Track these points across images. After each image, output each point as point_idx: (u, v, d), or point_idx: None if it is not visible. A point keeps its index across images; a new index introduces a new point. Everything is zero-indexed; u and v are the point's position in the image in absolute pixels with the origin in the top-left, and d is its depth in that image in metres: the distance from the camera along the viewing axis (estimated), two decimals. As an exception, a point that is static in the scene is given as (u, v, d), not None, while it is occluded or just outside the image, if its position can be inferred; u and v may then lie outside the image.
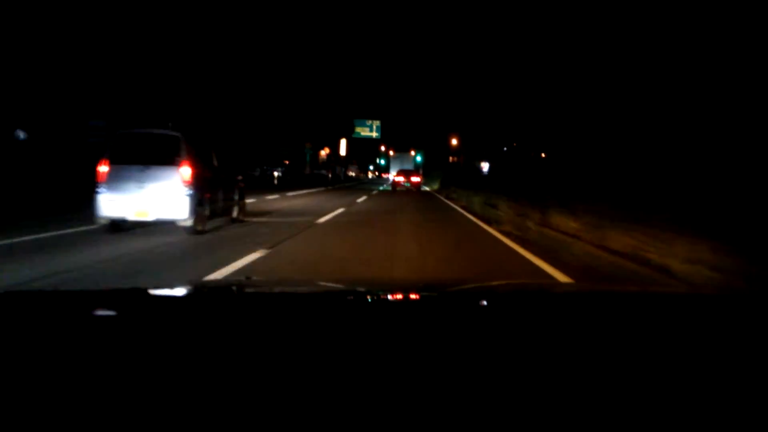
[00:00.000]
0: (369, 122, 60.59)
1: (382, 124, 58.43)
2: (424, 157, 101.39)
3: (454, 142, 64.99)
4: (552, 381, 0.77)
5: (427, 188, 37.11)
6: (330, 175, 51.51)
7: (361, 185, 44.44)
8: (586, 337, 0.99)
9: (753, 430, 0.69)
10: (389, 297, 1.53)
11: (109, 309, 1.18)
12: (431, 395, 0.73)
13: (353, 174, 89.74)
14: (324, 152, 53.17)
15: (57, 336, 0.91)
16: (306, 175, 50.38)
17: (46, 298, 1.33)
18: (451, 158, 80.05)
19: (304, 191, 24.99)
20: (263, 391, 0.73)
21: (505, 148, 61.38)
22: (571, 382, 0.77)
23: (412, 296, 1.57)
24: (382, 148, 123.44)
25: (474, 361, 0.84)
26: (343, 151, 66.35)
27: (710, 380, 0.79)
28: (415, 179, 33.32)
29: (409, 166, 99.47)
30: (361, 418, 0.68)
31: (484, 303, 1.45)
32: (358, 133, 60.61)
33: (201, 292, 1.67)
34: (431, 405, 0.71)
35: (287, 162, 52.22)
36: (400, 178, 33.58)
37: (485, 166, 68.54)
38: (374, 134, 60.66)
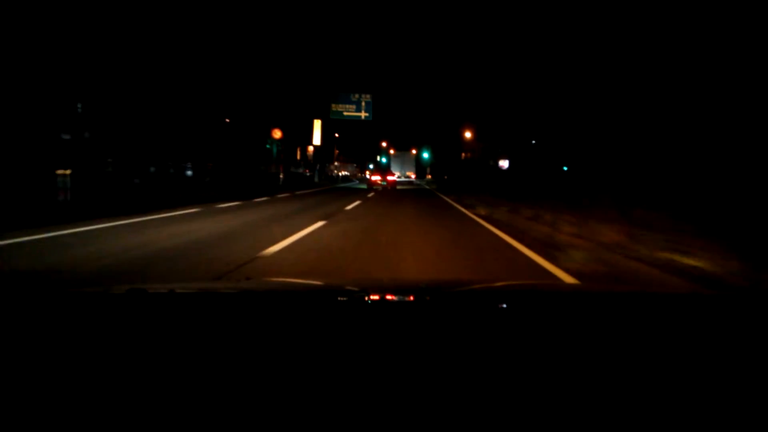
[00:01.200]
0: (355, 97, 37.79)
1: (385, 113, 41.34)
2: (432, 154, 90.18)
3: (468, 135, 54.78)
4: (557, 382, 0.78)
5: (426, 187, 32.66)
6: (283, 176, 34.01)
7: (338, 192, 26.19)
8: (591, 338, 1.00)
9: (758, 428, 0.70)
10: (393, 298, 1.50)
11: (106, 309, 1.16)
12: (437, 396, 0.73)
13: (346, 173, 76.09)
14: (276, 135, 34.13)
15: (57, 335, 0.92)
16: (267, 175, 34.29)
17: (41, 299, 1.28)
18: (463, 155, 73.08)
19: (176, 212, 10.67)
20: (262, 392, 0.73)
21: (534, 141, 52.00)
22: (577, 383, 0.78)
23: (418, 298, 1.52)
24: (384, 145, 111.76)
25: (479, 363, 0.84)
26: (317, 140, 42.72)
27: (716, 379, 0.80)
28: (391, 178, 35.10)
29: (411, 166, 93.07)
30: (362, 420, 0.68)
31: (490, 305, 1.42)
32: (339, 113, 38.20)
33: (199, 292, 1.64)
34: (435, 407, 0.71)
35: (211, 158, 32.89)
36: (377, 177, 35.09)
37: (505, 164, 60.10)
38: (363, 114, 38.14)
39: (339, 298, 1.49)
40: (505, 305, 1.39)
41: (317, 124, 41.71)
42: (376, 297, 1.46)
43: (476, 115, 53.29)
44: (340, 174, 66.47)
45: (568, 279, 4.79)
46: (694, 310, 1.29)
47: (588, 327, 1.08)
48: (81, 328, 0.97)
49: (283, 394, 0.72)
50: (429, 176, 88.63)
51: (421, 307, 1.36)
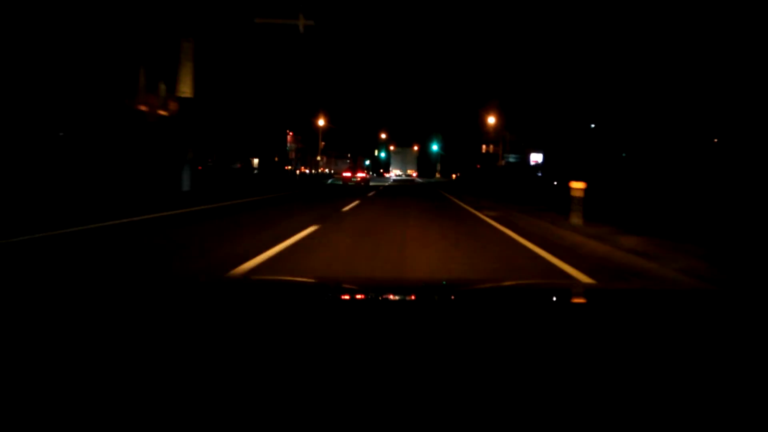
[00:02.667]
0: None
1: (383, 94, 22.76)
2: (443, 147, 75.33)
3: (491, 121, 41.52)
4: (568, 384, 0.77)
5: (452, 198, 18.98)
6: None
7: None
8: (603, 338, 1.00)
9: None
10: (400, 297, 1.49)
11: (106, 305, 1.18)
12: (448, 397, 0.72)
13: (330, 171, 60.39)
14: None
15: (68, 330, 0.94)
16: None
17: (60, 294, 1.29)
18: (483, 147, 58.56)
19: None
20: (263, 393, 0.73)
21: (593, 125, 39.97)
22: (589, 385, 0.77)
23: (426, 297, 1.50)
24: (383, 136, 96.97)
25: (489, 364, 0.84)
26: (185, 87, 15.52)
27: (728, 378, 0.80)
28: (361, 175, 39.51)
29: (413, 164, 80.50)
30: (366, 421, 0.68)
31: (501, 304, 1.43)
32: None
33: (199, 290, 1.61)
34: (444, 407, 0.70)
35: None
36: (347, 174, 40.02)
37: (538, 159, 50.79)
38: (301, 22, 15.99)
39: (344, 296, 1.48)
40: (517, 303, 1.40)
41: (186, 51, 15.84)
42: (383, 295, 1.47)
43: (504, 97, 42.42)
44: (299, 171, 50.34)
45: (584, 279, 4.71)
46: (712, 309, 1.29)
47: (602, 325, 1.09)
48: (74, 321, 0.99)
49: (287, 394, 0.71)
50: (438, 175, 74.41)
51: (430, 304, 1.36)
